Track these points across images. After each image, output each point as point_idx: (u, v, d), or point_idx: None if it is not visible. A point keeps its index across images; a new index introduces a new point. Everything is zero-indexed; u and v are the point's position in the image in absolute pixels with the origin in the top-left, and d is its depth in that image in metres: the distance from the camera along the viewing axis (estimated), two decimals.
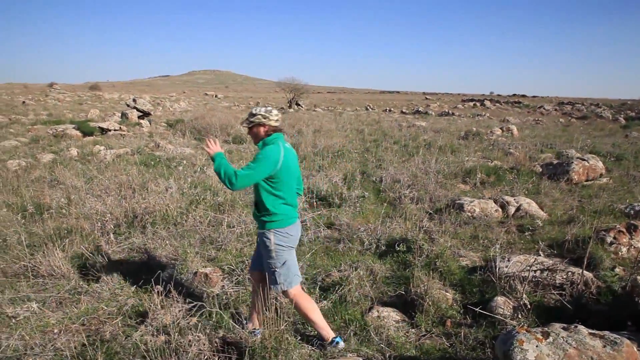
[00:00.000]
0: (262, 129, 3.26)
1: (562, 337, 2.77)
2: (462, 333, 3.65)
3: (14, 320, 3.84)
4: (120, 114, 20.14)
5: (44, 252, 4.96)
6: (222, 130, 15.18)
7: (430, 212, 6.95)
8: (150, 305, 3.86)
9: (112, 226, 5.77)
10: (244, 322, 3.76)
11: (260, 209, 3.29)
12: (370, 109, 42.08)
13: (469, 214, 6.81)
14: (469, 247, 5.68)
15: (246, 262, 4.87)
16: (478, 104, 53.79)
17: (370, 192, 8.14)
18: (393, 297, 4.41)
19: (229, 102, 49.98)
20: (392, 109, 41.41)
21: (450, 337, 3.70)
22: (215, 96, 62.23)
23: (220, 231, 5.79)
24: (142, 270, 4.88)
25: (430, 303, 4.01)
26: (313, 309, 3.41)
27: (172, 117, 23.02)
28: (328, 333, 3.43)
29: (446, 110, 38.71)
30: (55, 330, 3.78)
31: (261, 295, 3.45)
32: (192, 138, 14.77)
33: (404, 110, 39.82)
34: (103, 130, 15.81)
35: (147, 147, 12.52)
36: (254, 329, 3.61)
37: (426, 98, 72.11)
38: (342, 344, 3.43)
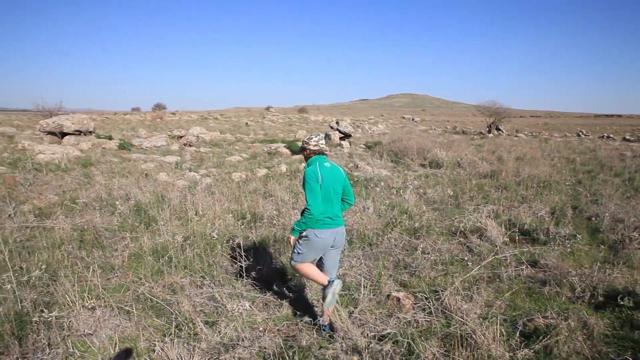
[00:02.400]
0: (304, 152, 4.22)
1: None
2: None
3: (230, 313, 4.40)
4: (323, 135, 21.81)
5: (255, 257, 5.61)
6: (419, 154, 15.20)
7: None
8: (343, 323, 4.01)
9: None
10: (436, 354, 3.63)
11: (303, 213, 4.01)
12: (582, 135, 37.34)
13: None
14: None
15: (440, 291, 4.72)
16: None
17: (583, 231, 7.15)
18: None
19: (425, 125, 49.99)
20: (611, 135, 35.93)
21: None
22: (412, 119, 62.88)
23: (415, 256, 5.75)
24: None
25: None
26: (309, 270, 4.12)
27: (370, 139, 24.00)
28: (324, 280, 4.08)
29: None
30: (261, 328, 4.21)
31: None
32: (389, 160, 15.14)
33: (627, 137, 34.18)
34: None
35: (347, 167, 13.27)
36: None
37: None
38: (337, 282, 4.02)
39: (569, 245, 6.33)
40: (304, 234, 4.05)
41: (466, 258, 5.86)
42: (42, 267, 4.86)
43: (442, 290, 4.73)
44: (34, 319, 3.84)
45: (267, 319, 4.42)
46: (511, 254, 5.82)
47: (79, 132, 17.10)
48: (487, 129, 36.98)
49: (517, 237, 6.66)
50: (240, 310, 4.43)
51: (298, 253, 4.14)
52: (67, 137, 16.84)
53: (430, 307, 4.44)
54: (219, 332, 4.01)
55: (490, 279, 5.33)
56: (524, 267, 5.58)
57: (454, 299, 4.44)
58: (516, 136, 32.89)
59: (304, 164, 4.28)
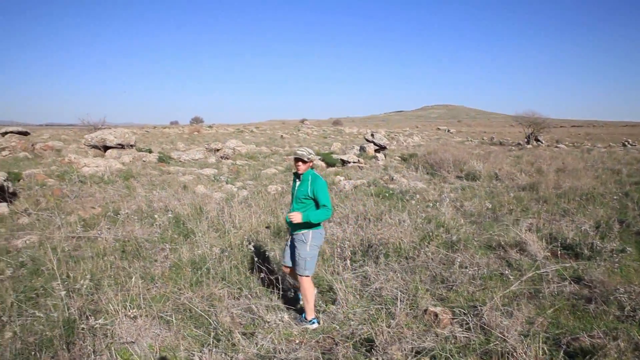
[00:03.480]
0: (311, 165, 4.71)
1: None
2: None
3: (267, 325, 4.43)
4: (358, 148, 21.84)
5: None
6: (456, 166, 14.99)
7: None
8: (379, 336, 3.97)
9: (349, 253, 6.19)
10: None
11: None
12: (629, 145, 35.89)
13: None
14: None
15: (478, 307, 4.62)
16: None
17: (631, 246, 6.84)
18: None
19: (461, 137, 49.30)
20: None
21: None
22: (448, 131, 62.08)
23: (452, 270, 5.65)
24: (374, 300, 5.09)
25: None
26: (312, 295, 4.66)
27: (405, 151, 23.88)
28: (311, 314, 4.64)
29: None
30: (297, 341, 4.22)
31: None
32: (424, 172, 14.99)
33: None
34: (343, 162, 17.35)
35: (382, 180, 13.22)
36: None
37: None
38: (316, 325, 4.57)
39: (616, 260, 6.07)
40: (310, 237, 4.58)
41: (506, 272, 5.71)
42: (87, 276, 5.04)
43: (480, 306, 4.62)
44: (82, 326, 3.99)
45: (303, 331, 4.43)
46: (553, 269, 5.64)
47: (121, 146, 17.72)
48: (526, 140, 36.13)
49: (559, 252, 6.44)
50: (277, 322, 4.45)
51: (311, 258, 4.62)
52: (109, 150, 17.49)
53: (468, 323, 4.34)
54: (256, 343, 4.04)
55: (531, 295, 5.17)
56: (567, 283, 5.39)
57: (493, 315, 4.33)
58: (556, 147, 31.99)
59: (295, 172, 4.85)
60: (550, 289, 5.21)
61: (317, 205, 4.57)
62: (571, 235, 7.06)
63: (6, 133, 19.34)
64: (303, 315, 4.70)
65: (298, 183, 4.73)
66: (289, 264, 4.87)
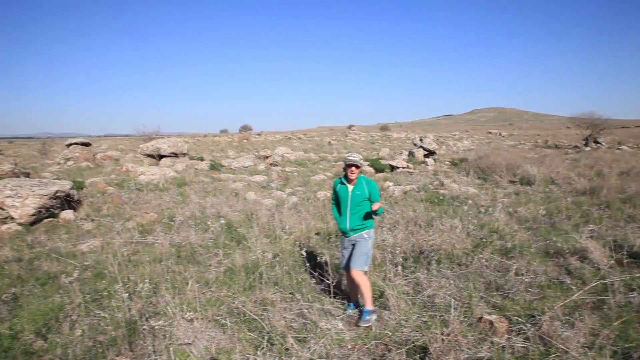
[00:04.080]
0: (359, 169, 4.92)
1: None
2: None
3: (319, 330, 4.44)
4: (407, 153, 21.60)
5: (340, 275, 5.65)
6: (508, 170, 14.52)
7: None
8: (434, 344, 3.90)
9: (400, 259, 6.12)
10: None
11: (368, 217, 4.91)
12: None
13: None
14: None
15: (536, 316, 4.44)
16: None
17: None
18: None
19: (513, 140, 47.74)
20: None
21: None
22: (499, 134, 60.30)
23: (507, 278, 5.47)
24: (426, 306, 5.00)
25: None
26: (370, 287, 4.84)
27: (455, 155, 23.39)
28: (372, 304, 4.78)
29: None
30: (349, 347, 4.21)
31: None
32: (476, 177, 14.62)
33: None
34: (392, 168, 17.22)
35: (432, 185, 13.01)
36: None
37: None
38: (375, 315, 4.78)
39: None
40: (372, 234, 4.99)
41: (566, 281, 5.46)
42: (146, 279, 5.25)
43: (539, 315, 4.44)
44: (143, 327, 4.17)
45: (355, 337, 4.41)
46: (619, 279, 5.33)
47: (174, 154, 18.38)
48: (584, 142, 34.48)
49: (625, 260, 6.10)
50: (329, 328, 4.46)
51: (371, 254, 5.01)
52: (164, 159, 18.18)
53: (526, 332, 4.18)
54: (308, 348, 4.07)
55: (595, 306, 4.91)
56: (635, 293, 5.08)
57: (553, 325, 4.15)
58: (618, 149, 30.25)
59: (345, 177, 5.07)
60: (616, 300, 4.93)
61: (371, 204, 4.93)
62: (638, 243, 6.67)
63: (71, 144, 20.53)
64: (364, 309, 4.80)
65: (351, 188, 4.91)
66: (347, 267, 5.06)
